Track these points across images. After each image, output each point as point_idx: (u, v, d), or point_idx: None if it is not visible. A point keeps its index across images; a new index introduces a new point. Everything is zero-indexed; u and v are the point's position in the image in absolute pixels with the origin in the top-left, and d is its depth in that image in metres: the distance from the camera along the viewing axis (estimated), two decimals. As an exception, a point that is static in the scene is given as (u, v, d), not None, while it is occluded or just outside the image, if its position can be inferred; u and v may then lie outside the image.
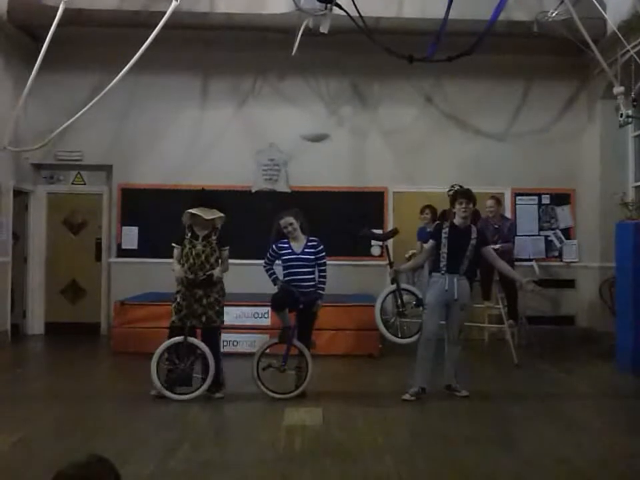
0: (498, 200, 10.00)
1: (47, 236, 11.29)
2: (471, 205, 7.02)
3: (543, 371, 8.74)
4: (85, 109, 9.43)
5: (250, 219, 10.67)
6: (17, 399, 6.96)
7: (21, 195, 10.94)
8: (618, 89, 8.95)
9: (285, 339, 6.96)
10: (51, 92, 10.56)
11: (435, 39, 9.40)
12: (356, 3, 9.03)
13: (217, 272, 6.86)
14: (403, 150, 11.16)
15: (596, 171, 10.70)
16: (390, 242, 8.61)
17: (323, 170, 11.04)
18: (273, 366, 6.89)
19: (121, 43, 9.95)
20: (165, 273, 6.99)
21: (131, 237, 11.03)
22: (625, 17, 9.24)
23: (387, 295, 7.65)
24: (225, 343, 9.29)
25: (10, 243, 10.48)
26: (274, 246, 7.13)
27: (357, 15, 9.11)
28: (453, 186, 8.84)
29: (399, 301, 7.42)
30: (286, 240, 7.11)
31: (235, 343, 9.40)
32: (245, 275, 10.18)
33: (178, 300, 6.88)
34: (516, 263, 9.80)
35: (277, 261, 7.18)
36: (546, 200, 11.25)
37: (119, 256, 11.11)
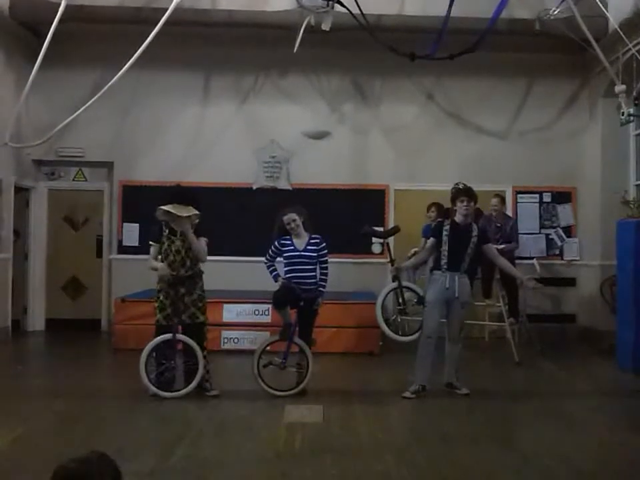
0: (502, 198, 10.00)
1: (47, 232, 11.30)
2: (472, 203, 7.02)
3: (544, 369, 8.75)
4: (87, 105, 9.43)
5: (251, 216, 10.69)
6: (17, 395, 6.96)
7: (22, 191, 10.94)
8: (619, 88, 8.94)
9: (286, 336, 6.97)
10: (52, 88, 10.56)
11: (437, 36, 9.39)
12: (358, 0, 9.02)
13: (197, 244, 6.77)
14: (404, 148, 11.16)
15: (597, 169, 10.69)
16: (391, 239, 8.60)
17: (324, 167, 11.03)
18: (274, 363, 6.90)
19: (122, 39, 9.96)
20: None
21: (131, 233, 11.02)
22: (627, 15, 9.22)
23: (388, 293, 7.64)
24: (226, 340, 9.38)
25: (11, 239, 10.48)
26: (276, 242, 7.13)
27: (359, 12, 9.12)
28: (457, 184, 8.82)
29: (400, 298, 7.41)
30: (288, 237, 7.11)
31: (236, 340, 9.41)
32: (245, 271, 10.20)
33: (161, 298, 6.85)
34: (517, 261, 9.81)
35: (278, 258, 7.18)
36: (547, 198, 11.24)
37: (119, 253, 11.11)
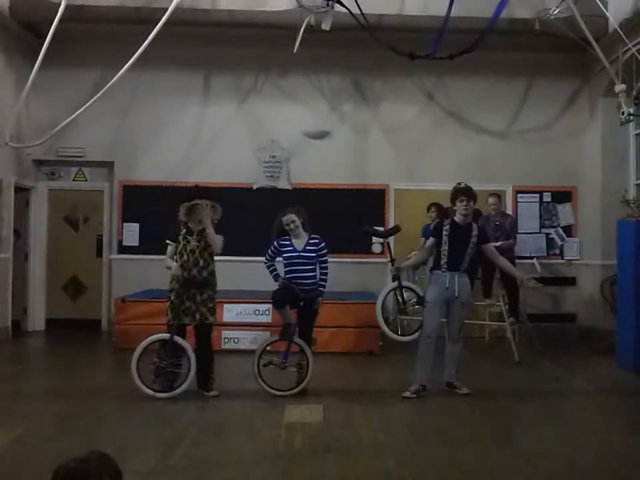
0: (499, 197, 10.02)
1: (47, 232, 11.30)
2: (471, 203, 7.01)
3: (544, 368, 8.74)
4: (87, 105, 9.44)
5: (251, 216, 10.68)
6: (18, 395, 6.96)
7: (22, 191, 10.94)
8: (619, 87, 8.94)
9: (286, 336, 6.97)
10: (52, 88, 10.56)
11: (437, 36, 9.39)
12: (357, 0, 9.02)
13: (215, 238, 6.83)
14: (404, 147, 11.16)
15: (597, 168, 10.69)
16: (391, 239, 8.60)
17: (324, 167, 11.03)
18: (274, 363, 6.90)
19: (122, 39, 9.97)
20: (165, 270, 6.98)
21: (132, 233, 11.03)
22: (627, 15, 9.24)
23: (389, 293, 7.64)
24: (226, 340, 9.38)
25: (11, 239, 10.48)
26: (275, 243, 7.13)
27: (359, 12, 9.12)
28: (459, 184, 8.82)
29: (400, 298, 7.41)
30: (287, 237, 7.11)
31: (236, 340, 9.41)
32: (246, 271, 10.20)
33: (172, 298, 6.87)
34: (517, 261, 9.82)
35: (278, 258, 7.18)
36: (547, 197, 11.24)
37: (119, 252, 11.11)
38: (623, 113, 8.85)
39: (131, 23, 10.01)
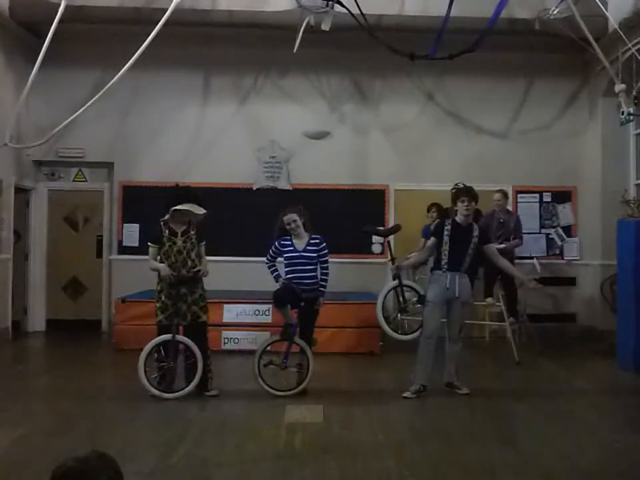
0: (505, 194, 9.98)
1: (48, 233, 11.30)
2: (473, 203, 7.01)
3: (544, 368, 8.74)
4: (87, 105, 9.43)
5: (251, 216, 10.69)
6: (18, 395, 6.97)
7: (22, 192, 10.94)
8: (619, 87, 8.94)
9: (287, 336, 6.97)
10: (52, 89, 10.56)
11: (437, 36, 9.39)
12: (357, 0, 9.02)
13: (204, 268, 6.85)
14: (404, 147, 11.16)
15: (597, 168, 10.70)
16: (392, 238, 8.60)
17: (324, 167, 11.03)
18: (274, 363, 6.90)
19: (122, 39, 9.97)
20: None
21: (131, 234, 11.03)
22: (627, 15, 9.23)
23: (389, 292, 7.65)
24: (226, 341, 9.38)
25: (11, 240, 10.48)
26: (276, 243, 7.13)
27: (359, 12, 9.11)
28: (457, 184, 8.82)
29: (401, 297, 7.41)
30: (288, 237, 7.11)
31: (236, 340, 9.41)
32: (246, 272, 10.21)
33: (162, 299, 6.84)
34: (517, 261, 9.81)
35: (279, 258, 7.18)
36: (547, 197, 11.25)
37: (119, 253, 11.11)
38: (622, 113, 8.86)
39: (131, 23, 10.01)
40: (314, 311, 7.11)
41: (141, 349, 6.72)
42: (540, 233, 11.22)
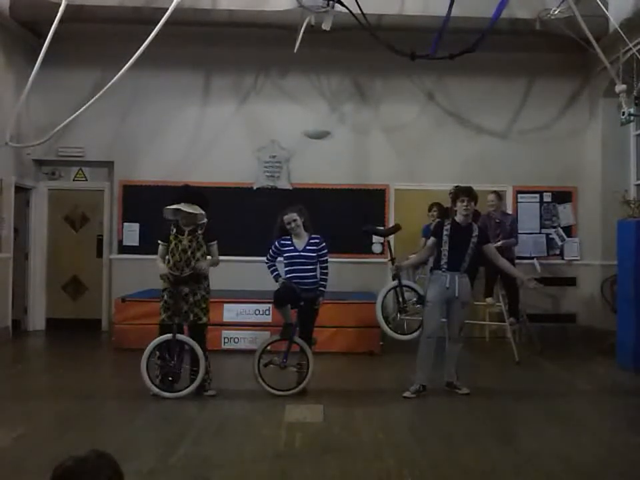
0: (499, 195, 9.98)
1: (48, 232, 11.30)
2: (472, 203, 7.02)
3: (544, 368, 8.75)
4: (87, 105, 9.43)
5: (251, 216, 10.69)
6: (18, 394, 6.97)
7: (22, 191, 10.94)
8: (620, 87, 8.94)
9: (287, 336, 6.97)
10: (52, 88, 10.56)
11: (437, 36, 9.38)
12: (358, 0, 9.02)
13: (203, 264, 6.83)
14: (404, 147, 11.16)
15: (598, 168, 10.70)
16: (392, 238, 8.60)
17: (324, 167, 11.03)
18: (274, 363, 6.90)
19: (122, 39, 9.97)
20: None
21: (132, 233, 11.03)
22: (627, 15, 9.24)
23: (389, 292, 7.64)
24: (226, 340, 9.38)
25: (11, 239, 10.48)
26: (276, 242, 7.13)
27: (359, 12, 9.11)
28: (457, 186, 8.84)
29: (400, 297, 7.41)
30: (288, 237, 7.11)
31: (236, 340, 9.41)
32: (246, 271, 10.20)
33: (165, 298, 6.87)
34: (517, 261, 9.81)
35: (279, 258, 7.18)
36: (547, 198, 11.24)
37: (120, 252, 11.11)
38: (623, 113, 8.86)
39: (131, 23, 10.02)
40: (314, 311, 7.11)
41: (141, 349, 6.72)
42: (540, 233, 11.22)
